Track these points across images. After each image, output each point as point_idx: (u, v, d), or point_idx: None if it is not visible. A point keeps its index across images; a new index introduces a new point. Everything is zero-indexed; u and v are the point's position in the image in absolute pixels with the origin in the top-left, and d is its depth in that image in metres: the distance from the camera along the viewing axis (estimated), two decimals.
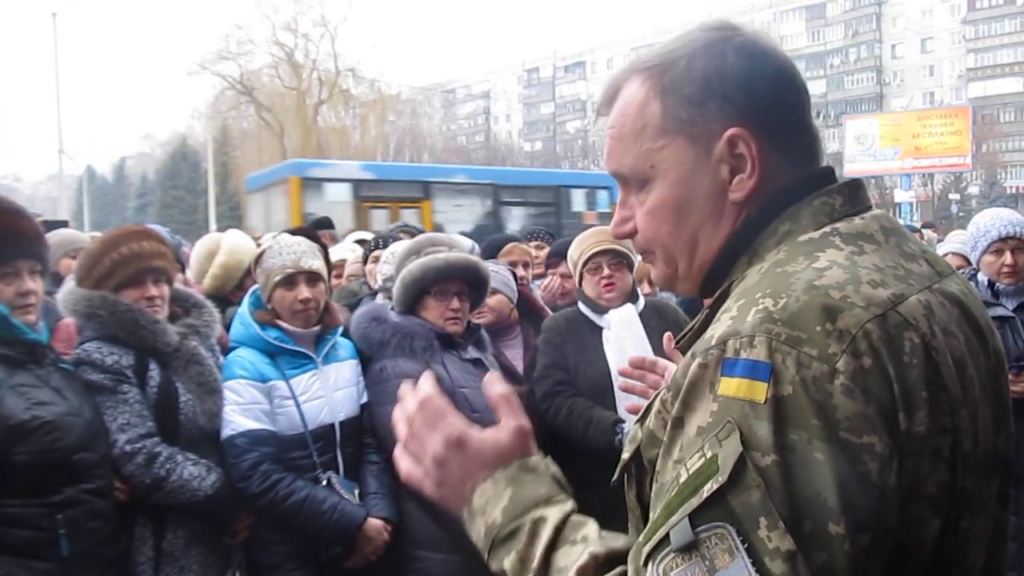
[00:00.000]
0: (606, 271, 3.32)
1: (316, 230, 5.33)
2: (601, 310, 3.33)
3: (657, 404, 0.94)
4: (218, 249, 3.68)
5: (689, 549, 0.79)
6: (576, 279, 3.46)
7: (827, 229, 0.96)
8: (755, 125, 0.97)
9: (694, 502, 0.79)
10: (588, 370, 3.23)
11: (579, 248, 3.43)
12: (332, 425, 2.82)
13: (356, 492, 2.80)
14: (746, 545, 0.77)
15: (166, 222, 48.67)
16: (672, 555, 0.80)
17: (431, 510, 2.80)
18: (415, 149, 53.11)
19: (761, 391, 0.80)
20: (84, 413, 2.38)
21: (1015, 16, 55.75)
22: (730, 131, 0.97)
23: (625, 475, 0.96)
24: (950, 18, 59.51)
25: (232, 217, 42.57)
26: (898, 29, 61.49)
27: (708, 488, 0.79)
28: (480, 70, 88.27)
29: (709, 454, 0.80)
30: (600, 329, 3.31)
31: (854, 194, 1.01)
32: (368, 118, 47.81)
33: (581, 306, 3.41)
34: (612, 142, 1.05)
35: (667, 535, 0.80)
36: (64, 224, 5.90)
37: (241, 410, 2.67)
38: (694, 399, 0.85)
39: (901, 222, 1.06)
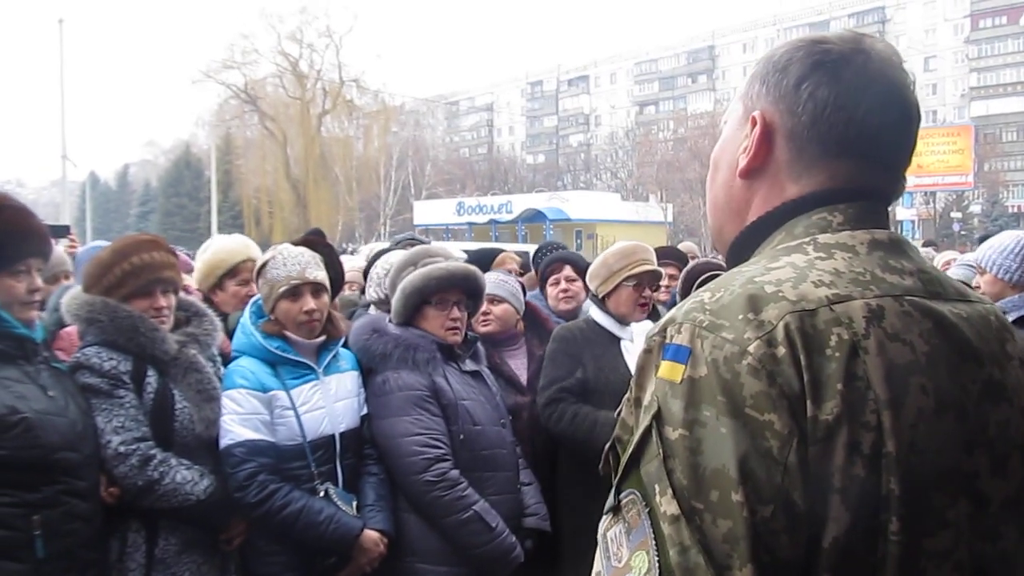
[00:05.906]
0: (647, 291, 3.41)
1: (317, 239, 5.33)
2: (625, 322, 3.40)
3: (627, 392, 1.01)
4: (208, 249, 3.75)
5: (615, 512, 0.91)
6: (606, 286, 3.43)
7: (806, 239, 0.99)
8: (779, 118, 1.03)
9: (619, 471, 0.92)
10: (612, 376, 3.25)
11: (627, 259, 3.43)
12: (332, 436, 2.79)
13: (354, 504, 2.77)
14: (648, 509, 0.86)
15: (168, 229, 48.96)
16: (608, 516, 0.92)
17: (432, 522, 2.80)
18: (418, 160, 53.18)
19: (679, 372, 0.88)
20: (68, 413, 2.34)
21: (1018, 36, 55.90)
22: (755, 112, 1.05)
23: (610, 461, 1.02)
24: (953, 37, 59.71)
25: (235, 225, 42.60)
26: (901, 48, 61.26)
27: (624, 459, 0.91)
28: (484, 82, 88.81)
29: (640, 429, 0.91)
30: (618, 340, 3.37)
31: (860, 214, 1.00)
32: (371, 129, 48.00)
33: (599, 316, 3.43)
34: None
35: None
36: (66, 228, 5.89)
37: (240, 420, 2.65)
38: (644, 380, 0.94)
39: (913, 243, 1.05)
